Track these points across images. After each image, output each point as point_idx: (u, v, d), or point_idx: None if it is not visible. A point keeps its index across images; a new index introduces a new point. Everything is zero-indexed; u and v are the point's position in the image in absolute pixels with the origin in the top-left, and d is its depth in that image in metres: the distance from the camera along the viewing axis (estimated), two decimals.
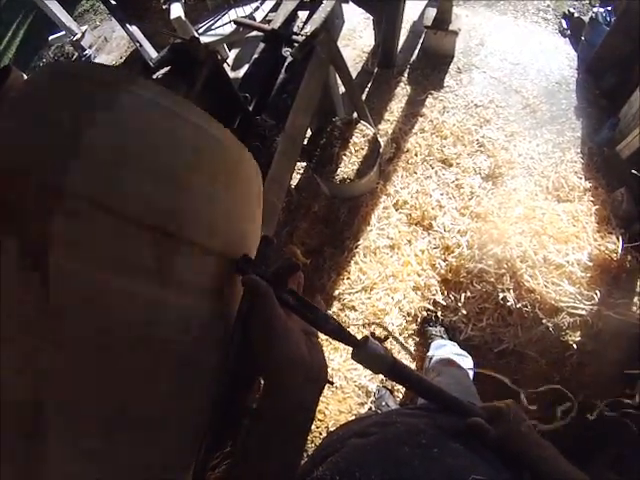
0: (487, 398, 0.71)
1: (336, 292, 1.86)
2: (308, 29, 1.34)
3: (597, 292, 1.57)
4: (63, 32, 3.04)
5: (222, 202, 0.39)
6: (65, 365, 0.30)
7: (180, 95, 0.40)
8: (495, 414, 0.47)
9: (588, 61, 2.16)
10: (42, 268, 0.29)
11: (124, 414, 0.33)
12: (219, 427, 0.38)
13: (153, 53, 2.44)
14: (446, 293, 1.76)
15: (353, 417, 1.62)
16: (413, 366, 1.69)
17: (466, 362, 1.31)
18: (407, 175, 2.06)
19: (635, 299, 1.60)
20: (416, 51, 2.44)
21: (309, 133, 1.83)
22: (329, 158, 1.77)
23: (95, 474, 0.32)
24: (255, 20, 2.20)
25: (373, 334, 1.75)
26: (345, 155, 1.78)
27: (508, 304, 1.60)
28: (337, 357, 1.75)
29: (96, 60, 3.16)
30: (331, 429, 1.60)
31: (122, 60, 3.10)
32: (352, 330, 1.72)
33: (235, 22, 1.67)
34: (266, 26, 1.37)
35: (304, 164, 2.13)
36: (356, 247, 1.93)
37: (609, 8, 2.05)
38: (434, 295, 1.76)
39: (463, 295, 1.69)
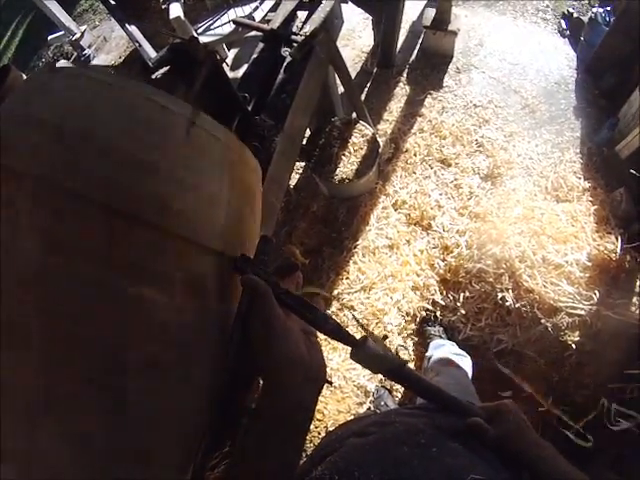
0: (486, 398, 0.71)
1: (335, 292, 1.86)
2: (307, 29, 1.34)
3: (596, 292, 1.57)
4: (62, 32, 3.04)
5: (221, 201, 0.39)
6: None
7: (179, 95, 0.40)
8: (494, 414, 0.47)
9: (587, 61, 2.17)
10: None
11: (123, 414, 0.33)
12: (218, 427, 0.38)
13: (152, 53, 2.44)
14: (445, 293, 1.76)
15: (352, 417, 1.62)
16: (412, 366, 1.69)
17: (465, 362, 1.30)
18: (406, 175, 2.06)
19: (634, 299, 1.60)
20: (415, 51, 2.44)
21: (308, 133, 1.82)
22: (328, 158, 1.77)
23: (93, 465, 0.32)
24: (254, 20, 2.20)
25: (372, 333, 1.75)
26: (344, 155, 1.78)
27: (507, 304, 1.59)
28: (336, 357, 1.75)
29: (95, 60, 3.16)
30: (330, 429, 1.60)
31: (121, 60, 3.10)
32: (351, 330, 1.72)
33: (234, 22, 1.67)
34: (265, 26, 1.36)
35: (303, 164, 2.13)
36: (355, 247, 1.93)
37: (608, 8, 2.06)
38: (433, 295, 1.76)
39: (462, 295, 1.69)
